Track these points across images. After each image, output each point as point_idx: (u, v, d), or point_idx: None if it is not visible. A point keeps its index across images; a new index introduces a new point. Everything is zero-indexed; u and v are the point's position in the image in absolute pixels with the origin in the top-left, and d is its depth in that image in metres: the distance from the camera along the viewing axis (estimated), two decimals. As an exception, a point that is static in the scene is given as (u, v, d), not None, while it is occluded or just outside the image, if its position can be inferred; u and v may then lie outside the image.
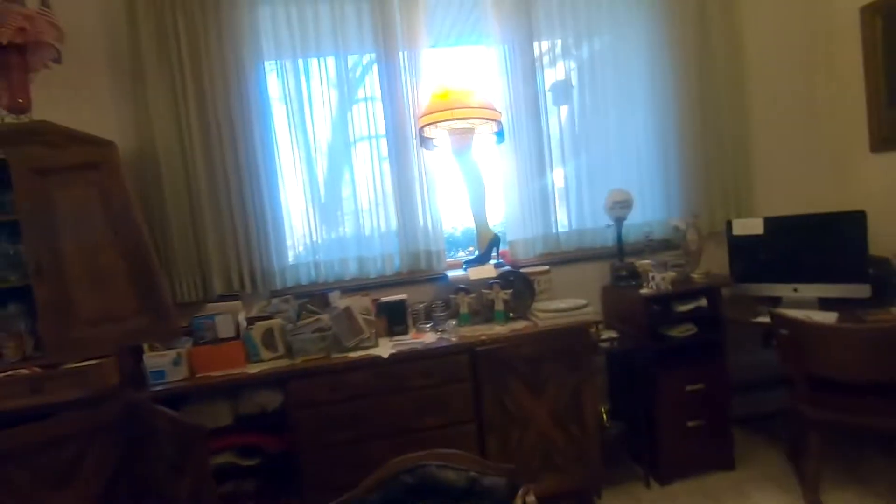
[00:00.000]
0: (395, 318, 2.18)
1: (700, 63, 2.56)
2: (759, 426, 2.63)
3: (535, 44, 2.48)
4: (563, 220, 2.57)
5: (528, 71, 2.46)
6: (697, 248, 2.51)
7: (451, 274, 2.32)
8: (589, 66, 2.53)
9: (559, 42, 2.53)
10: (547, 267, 2.37)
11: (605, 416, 2.33)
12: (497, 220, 2.56)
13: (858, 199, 2.62)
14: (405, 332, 2.17)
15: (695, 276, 2.39)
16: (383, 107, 2.36)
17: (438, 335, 2.06)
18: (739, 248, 2.41)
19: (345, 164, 2.37)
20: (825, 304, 2.22)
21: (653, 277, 2.31)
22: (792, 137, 2.77)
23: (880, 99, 2.47)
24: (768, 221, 2.32)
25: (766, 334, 2.21)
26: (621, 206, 2.42)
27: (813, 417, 1.95)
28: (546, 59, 2.53)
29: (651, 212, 2.61)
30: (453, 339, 2.01)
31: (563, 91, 2.56)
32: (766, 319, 2.05)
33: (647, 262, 2.36)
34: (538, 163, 2.49)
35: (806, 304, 2.25)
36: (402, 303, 2.20)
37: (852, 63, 2.58)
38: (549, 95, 2.52)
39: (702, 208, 2.61)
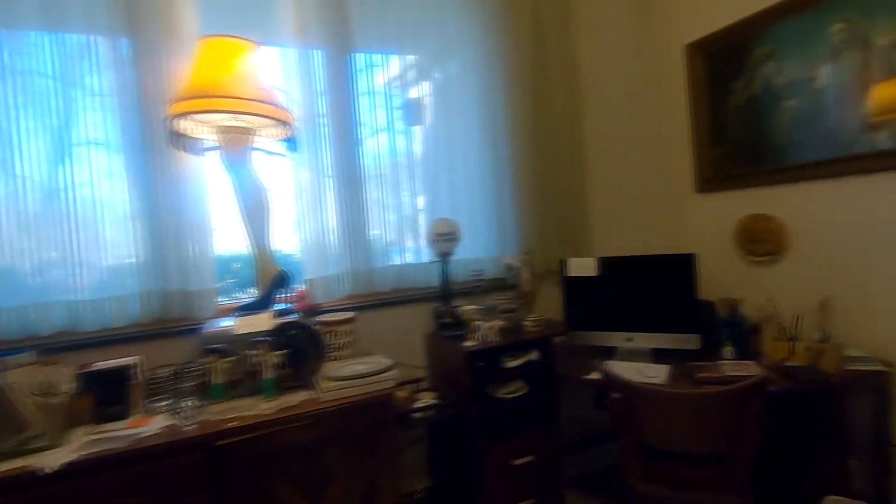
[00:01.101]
0: (109, 396, 1.46)
1: (536, 97, 2.33)
2: (596, 486, 2.36)
3: (359, 55, 2.04)
4: (386, 254, 2.08)
5: (343, 81, 1.98)
6: (531, 290, 2.19)
7: (211, 327, 1.67)
8: (442, 87, 2.19)
9: (411, 59, 2.15)
10: (352, 314, 1.85)
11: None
12: (295, 251, 1.99)
13: (688, 241, 2.56)
14: (124, 416, 1.46)
15: (527, 322, 2.05)
16: (120, 100, 1.67)
17: (174, 420, 1.40)
18: (574, 290, 2.14)
19: (59, 174, 1.61)
20: (659, 355, 2.02)
21: (478, 326, 1.91)
22: (628, 175, 2.65)
23: (704, 139, 2.43)
24: (601, 262, 2.08)
25: (599, 394, 1.92)
26: (445, 239, 2.01)
27: (645, 493, 1.67)
28: (390, 75, 2.11)
29: (483, 247, 2.25)
30: (189, 427, 1.36)
31: (414, 111, 2.14)
32: (599, 376, 1.75)
33: (472, 307, 1.96)
34: (351, 185, 1.99)
35: (639, 355, 2.03)
36: (122, 371, 1.49)
37: (681, 102, 2.53)
38: (398, 114, 2.12)
39: (537, 245, 2.32)
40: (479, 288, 2.15)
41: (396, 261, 2.10)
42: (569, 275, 2.13)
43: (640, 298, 2.05)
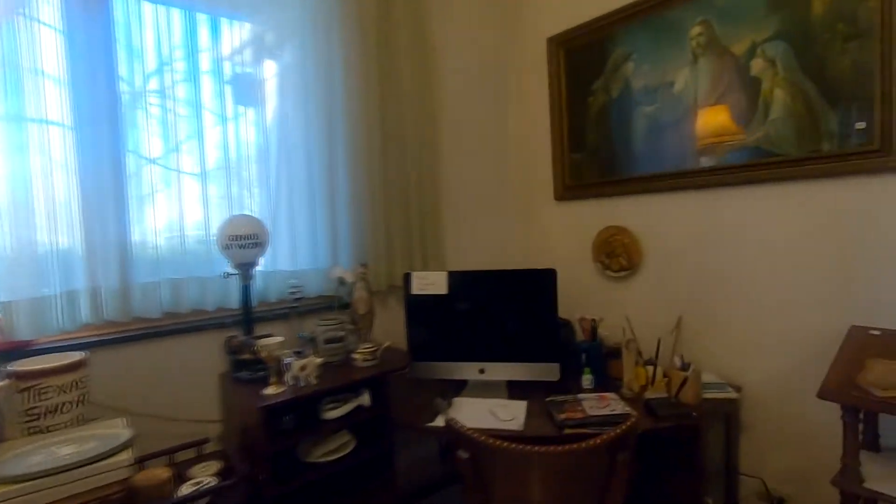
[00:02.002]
0: None
1: (383, 86, 1.92)
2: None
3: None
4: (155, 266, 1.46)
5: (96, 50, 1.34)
6: (368, 312, 1.74)
7: None
8: (284, 70, 1.70)
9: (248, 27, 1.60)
10: (80, 355, 1.21)
11: None
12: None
13: (547, 254, 2.34)
14: None
15: (358, 355, 1.59)
16: None
17: None
18: (419, 312, 1.74)
19: None
20: (515, 388, 1.70)
21: (288, 365, 1.39)
22: (486, 180, 2.36)
23: (564, 142, 2.24)
24: (452, 278, 1.71)
25: (444, 448, 1.54)
26: (244, 244, 1.46)
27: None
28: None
29: (308, 257, 1.75)
30: None
31: (247, 88, 1.56)
32: (444, 423, 1.36)
33: (276, 340, 1.44)
34: (113, 172, 1.35)
35: (494, 389, 1.69)
36: None
37: (542, 102, 2.31)
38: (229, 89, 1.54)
39: (377, 256, 1.88)
40: (298, 309, 1.64)
41: (176, 275, 1.49)
42: (413, 292, 1.72)
43: (496, 321, 1.72)
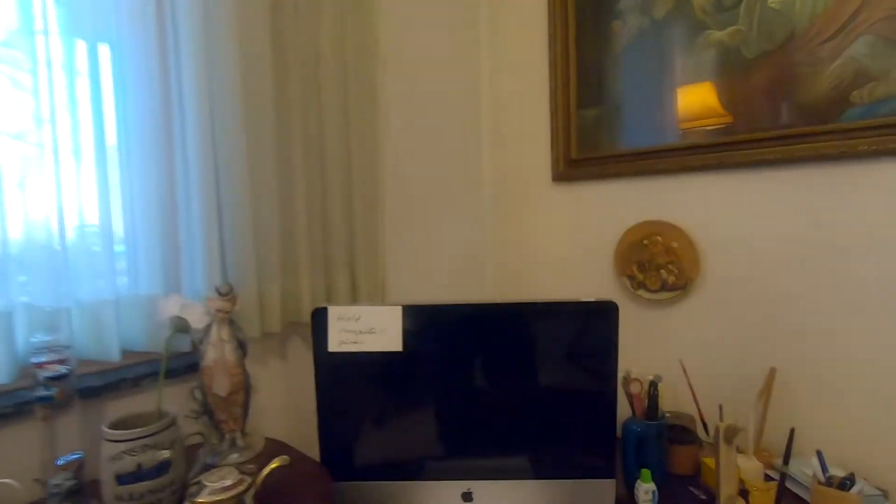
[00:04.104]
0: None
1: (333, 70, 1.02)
2: None
3: None
4: None
5: None
6: (238, 389, 0.85)
7: None
8: None
9: None
10: None
11: None
12: None
13: (536, 268, 1.56)
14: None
15: (212, 483, 0.69)
16: None
17: None
18: (345, 388, 0.87)
19: None
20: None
21: None
22: (447, 155, 1.54)
23: (569, 92, 1.47)
24: (413, 316, 0.86)
25: None
26: None
27: None
28: None
29: (90, 272, 0.82)
30: None
31: None
32: None
33: None
34: None
35: (491, 532, 0.88)
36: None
37: (535, 31, 1.53)
38: None
39: (262, 271, 0.99)
40: (54, 402, 0.71)
41: None
42: (332, 349, 0.85)
43: (497, 403, 0.90)
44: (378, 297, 1.22)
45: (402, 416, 0.88)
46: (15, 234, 0.79)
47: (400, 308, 0.84)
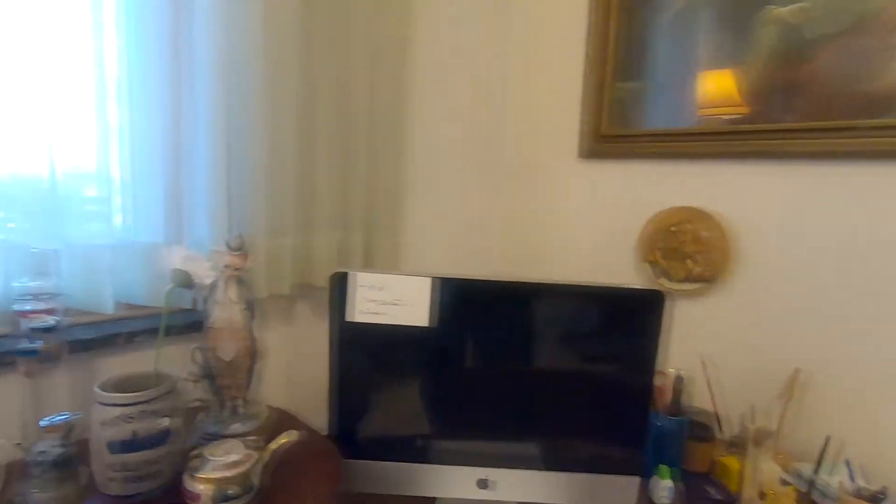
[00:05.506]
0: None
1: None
2: None
3: None
4: None
5: None
6: (244, 353, 0.77)
7: None
8: None
9: None
10: None
11: None
12: None
13: (553, 248, 1.49)
14: None
15: (204, 483, 0.62)
16: None
17: None
18: (365, 361, 0.80)
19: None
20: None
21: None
22: (471, 124, 1.44)
23: (607, 64, 1.37)
24: (444, 289, 0.79)
25: None
26: None
27: None
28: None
29: (79, 216, 0.73)
30: None
31: None
32: None
33: None
34: None
35: (507, 521, 0.83)
36: None
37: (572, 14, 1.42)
38: None
39: (273, 224, 0.90)
40: (41, 355, 0.63)
41: None
42: (353, 319, 0.77)
43: (524, 387, 0.83)
44: (393, 264, 1.14)
45: (421, 394, 0.82)
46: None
47: (429, 280, 0.76)
